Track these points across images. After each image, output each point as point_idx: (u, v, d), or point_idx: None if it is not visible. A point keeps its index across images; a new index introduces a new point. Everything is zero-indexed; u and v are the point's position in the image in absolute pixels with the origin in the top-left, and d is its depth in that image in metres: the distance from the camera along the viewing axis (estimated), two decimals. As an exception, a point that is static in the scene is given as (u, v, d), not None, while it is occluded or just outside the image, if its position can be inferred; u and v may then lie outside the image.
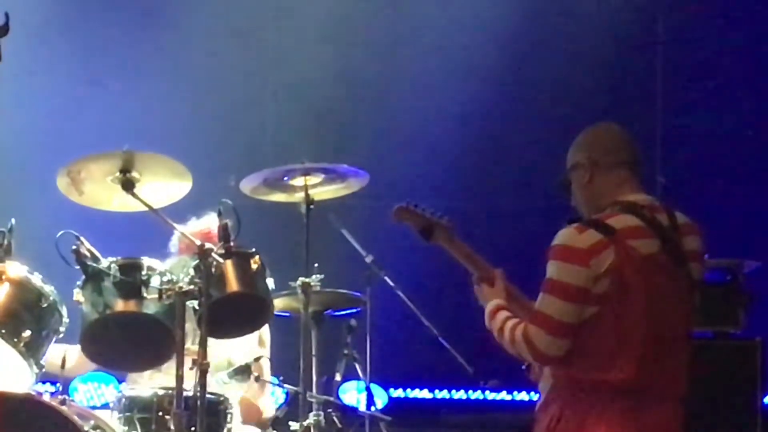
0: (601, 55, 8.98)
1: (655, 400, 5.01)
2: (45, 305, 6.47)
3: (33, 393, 6.41)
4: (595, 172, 5.18)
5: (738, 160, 8.60)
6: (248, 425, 7.14)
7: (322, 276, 6.86)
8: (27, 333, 6.36)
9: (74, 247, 6.43)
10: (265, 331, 7.24)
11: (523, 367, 5.35)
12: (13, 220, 6.44)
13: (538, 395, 5.29)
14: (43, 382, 6.78)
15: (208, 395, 6.41)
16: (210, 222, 7.17)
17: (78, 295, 6.46)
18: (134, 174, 6.55)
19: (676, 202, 5.33)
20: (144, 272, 6.47)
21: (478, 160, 8.85)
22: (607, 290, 4.93)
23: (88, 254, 6.46)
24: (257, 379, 7.07)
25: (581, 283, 4.93)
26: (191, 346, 6.60)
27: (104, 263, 6.45)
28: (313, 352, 6.90)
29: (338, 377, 7.09)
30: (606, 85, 8.91)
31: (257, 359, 7.06)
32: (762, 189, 7.77)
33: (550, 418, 5.09)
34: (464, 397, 8.86)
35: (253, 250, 6.57)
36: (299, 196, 6.92)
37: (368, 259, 7.05)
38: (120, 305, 6.44)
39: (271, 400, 7.34)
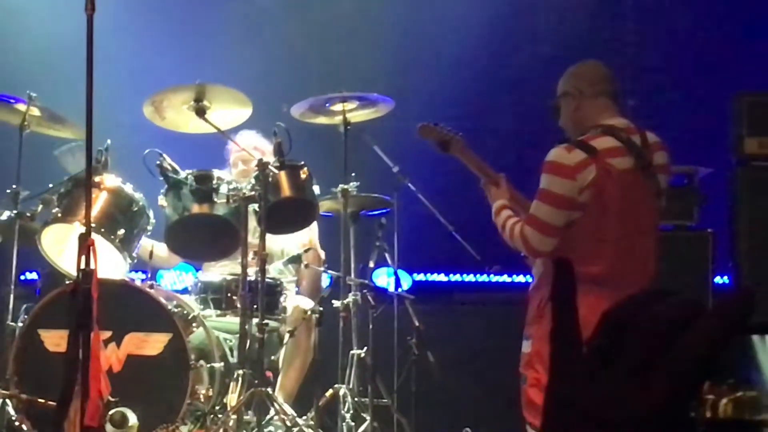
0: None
1: (628, 286, 4.97)
2: (135, 209, 6.51)
3: (127, 279, 6.46)
4: (581, 100, 5.15)
5: (693, 85, 8.52)
6: (303, 296, 7.12)
7: (358, 183, 6.86)
8: (121, 231, 6.40)
9: (158, 162, 6.48)
10: (315, 228, 7.23)
11: (522, 255, 5.34)
12: (108, 141, 6.45)
13: (532, 278, 5.28)
14: (135, 271, 6.77)
15: (267, 280, 6.44)
16: (251, 136, 7.18)
17: (162, 200, 6.52)
18: (206, 102, 6.59)
19: (645, 122, 5.32)
20: (214, 182, 6.51)
21: (484, 87, 8.76)
22: (589, 200, 4.92)
23: (169, 168, 6.49)
24: (306, 266, 7.07)
25: (568, 194, 4.92)
26: (253, 240, 6.61)
27: (182, 175, 6.49)
28: (351, 245, 6.90)
29: (371, 264, 7.08)
30: (585, 22, 8.76)
31: (307, 250, 7.05)
32: (713, 109, 7.68)
33: (540, 298, 5.09)
34: (473, 279, 8.85)
35: (302, 162, 6.56)
36: (339, 119, 6.90)
37: (395, 170, 7.00)
38: (196, 208, 6.49)
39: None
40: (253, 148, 6.96)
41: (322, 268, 7.22)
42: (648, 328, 1.79)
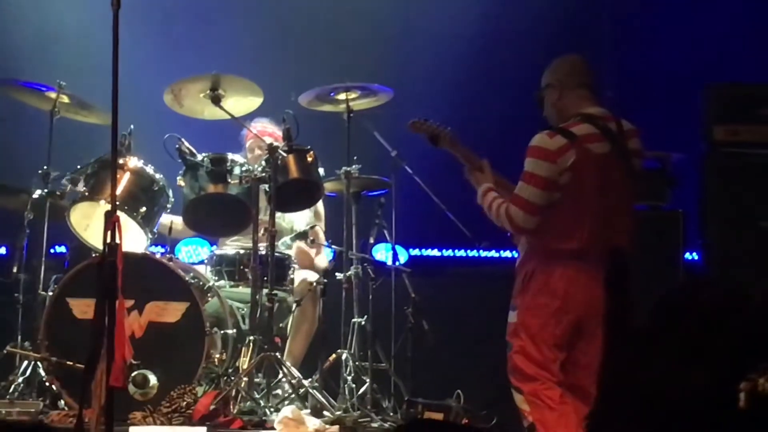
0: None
1: (604, 262, 4.98)
2: (156, 188, 6.52)
3: (148, 253, 6.47)
4: (562, 91, 5.15)
5: (666, 77, 8.50)
6: (304, 269, 7.13)
7: (360, 166, 6.86)
8: (143, 209, 6.42)
9: (177, 145, 6.49)
10: (320, 206, 7.23)
11: (508, 234, 5.35)
12: (132, 126, 6.45)
13: (518, 254, 5.29)
14: (156, 245, 6.79)
15: (276, 254, 6.45)
16: (265, 124, 7.17)
17: (180, 181, 6.53)
18: (221, 91, 6.61)
19: (622, 111, 5.34)
20: (228, 164, 6.52)
21: (476, 78, 8.73)
22: (569, 181, 4.93)
23: (187, 151, 6.51)
24: (312, 242, 7.08)
25: (549, 175, 4.93)
26: (263, 217, 6.61)
27: (199, 157, 6.50)
28: (353, 222, 6.90)
29: (371, 240, 7.08)
30: (565, 21, 8.71)
31: (312, 227, 7.07)
32: (685, 100, 7.67)
33: (525, 272, 5.10)
34: (464, 254, 8.82)
35: (309, 147, 6.56)
36: (342, 107, 6.90)
37: (393, 153, 7.00)
38: (211, 188, 6.50)
39: (324, 257, 7.35)
40: (267, 134, 6.96)
41: (326, 243, 7.23)
42: (699, 313, 1.77)
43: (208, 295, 6.47)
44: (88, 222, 6.42)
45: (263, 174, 6.43)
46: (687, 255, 7.41)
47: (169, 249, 6.66)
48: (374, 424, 6.14)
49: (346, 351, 6.64)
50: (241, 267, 6.63)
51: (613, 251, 4.70)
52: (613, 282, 2.28)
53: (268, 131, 7.09)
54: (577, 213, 4.94)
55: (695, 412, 1.70)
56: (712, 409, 1.70)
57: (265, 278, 6.37)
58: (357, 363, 6.62)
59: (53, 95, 6.67)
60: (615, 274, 2.29)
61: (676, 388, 1.71)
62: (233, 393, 6.08)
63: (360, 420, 6.15)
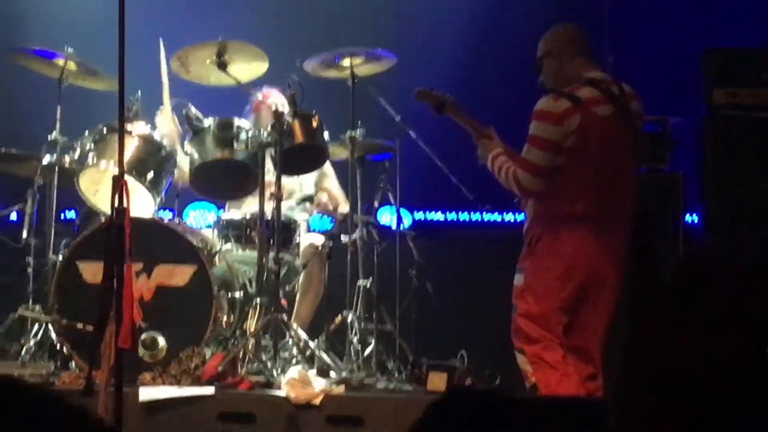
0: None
1: (608, 226, 4.98)
2: (163, 154, 6.46)
3: (156, 217, 6.43)
4: (562, 59, 5.13)
5: (666, 41, 8.42)
6: (312, 235, 7.09)
7: (364, 130, 6.78)
8: (151, 174, 6.37)
9: (184, 111, 6.41)
10: (327, 166, 7.14)
11: (515, 200, 5.34)
12: (139, 92, 6.40)
13: (521, 215, 5.29)
14: (163, 209, 6.76)
15: (282, 218, 6.42)
16: (269, 90, 7.08)
17: (187, 146, 6.45)
18: (227, 57, 6.53)
19: (622, 75, 5.31)
20: (235, 129, 6.46)
21: (481, 45, 8.64)
22: (574, 144, 4.90)
23: (194, 117, 6.43)
24: (318, 205, 7.06)
25: (555, 138, 4.91)
26: (270, 179, 6.56)
27: (206, 123, 6.43)
28: (358, 186, 6.84)
29: (376, 204, 7.02)
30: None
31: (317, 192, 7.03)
32: (685, 63, 7.61)
33: (531, 236, 5.10)
34: (467, 218, 8.78)
35: (314, 111, 6.51)
36: (347, 72, 6.82)
37: (397, 118, 6.94)
38: (218, 153, 6.44)
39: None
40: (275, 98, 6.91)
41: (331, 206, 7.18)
42: (729, 276, 1.70)
43: (216, 258, 6.44)
44: (97, 187, 6.39)
45: (269, 139, 6.38)
46: (687, 217, 7.37)
47: (176, 213, 6.62)
48: (380, 385, 6.13)
49: (351, 313, 6.61)
50: (248, 231, 6.60)
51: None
52: (638, 244, 2.20)
53: (274, 93, 7.02)
54: (582, 176, 4.92)
55: (724, 381, 1.63)
56: (742, 377, 1.63)
57: (272, 242, 6.33)
58: (362, 325, 6.60)
59: (61, 62, 6.62)
60: (640, 235, 2.21)
61: (701, 356, 1.65)
62: (241, 355, 6.06)
63: (365, 380, 6.14)
